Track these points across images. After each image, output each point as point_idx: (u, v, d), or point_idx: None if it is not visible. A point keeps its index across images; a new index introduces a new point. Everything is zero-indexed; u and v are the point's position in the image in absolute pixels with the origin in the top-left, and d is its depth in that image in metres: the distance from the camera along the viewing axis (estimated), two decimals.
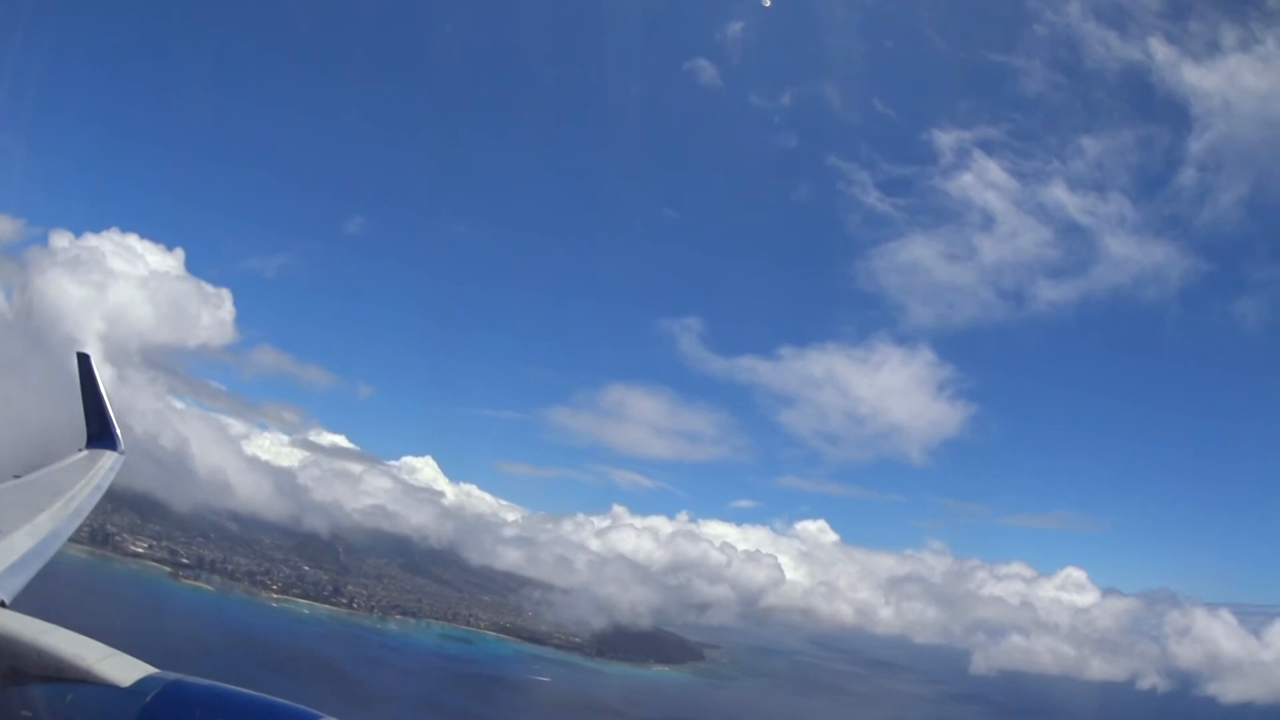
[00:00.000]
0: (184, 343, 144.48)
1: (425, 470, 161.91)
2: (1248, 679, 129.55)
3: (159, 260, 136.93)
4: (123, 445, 15.20)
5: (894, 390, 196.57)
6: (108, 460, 14.15)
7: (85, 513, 10.89)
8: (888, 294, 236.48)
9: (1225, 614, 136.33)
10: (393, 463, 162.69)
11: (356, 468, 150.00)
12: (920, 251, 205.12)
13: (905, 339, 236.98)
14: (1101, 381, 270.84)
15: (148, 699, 4.67)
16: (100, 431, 15.27)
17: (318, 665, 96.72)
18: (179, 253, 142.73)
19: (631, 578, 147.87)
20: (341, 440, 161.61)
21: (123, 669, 4.89)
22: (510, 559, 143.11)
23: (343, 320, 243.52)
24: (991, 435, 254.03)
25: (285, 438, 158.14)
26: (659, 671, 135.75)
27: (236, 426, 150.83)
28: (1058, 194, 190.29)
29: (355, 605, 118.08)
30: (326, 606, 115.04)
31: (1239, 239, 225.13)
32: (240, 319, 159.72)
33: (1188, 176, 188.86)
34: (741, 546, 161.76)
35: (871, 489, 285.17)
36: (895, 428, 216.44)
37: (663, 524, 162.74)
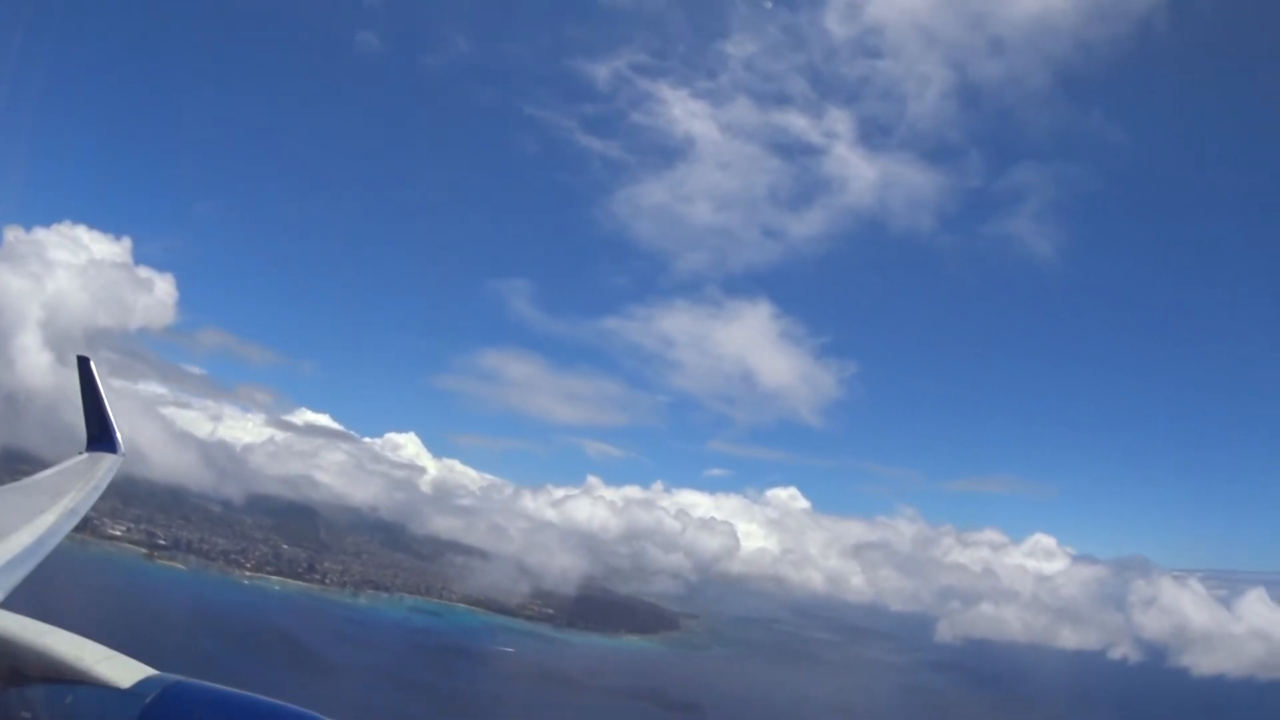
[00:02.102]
0: (135, 327, 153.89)
1: (408, 446, 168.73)
2: (1218, 652, 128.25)
3: (106, 249, 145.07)
4: (123, 448, 15.31)
5: (754, 347, 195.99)
6: (106, 462, 14.22)
7: (82, 514, 11.06)
8: (661, 243, 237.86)
9: (1195, 584, 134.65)
10: (375, 440, 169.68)
11: (335, 446, 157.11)
12: (662, 195, 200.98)
13: (741, 293, 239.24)
14: (955, 332, 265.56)
15: (147, 701, 4.74)
16: (100, 434, 15.29)
17: (278, 639, 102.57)
18: (126, 241, 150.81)
19: (604, 548, 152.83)
20: (325, 419, 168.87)
21: (122, 670, 4.95)
22: (486, 532, 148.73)
23: (283, 298, 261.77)
24: (877, 396, 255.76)
25: (261, 418, 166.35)
26: (629, 641, 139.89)
27: (213, 409, 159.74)
28: (748, 114, 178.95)
29: (328, 581, 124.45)
30: (299, 583, 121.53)
31: (969, 134, 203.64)
32: (184, 302, 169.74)
33: (866, 69, 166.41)
34: (715, 515, 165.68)
35: (798, 453, 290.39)
36: (781, 389, 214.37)
37: (636, 493, 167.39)
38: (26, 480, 12.31)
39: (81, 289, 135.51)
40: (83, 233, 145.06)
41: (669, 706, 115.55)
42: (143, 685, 4.87)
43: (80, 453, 14.79)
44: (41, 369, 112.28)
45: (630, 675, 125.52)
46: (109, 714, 4.76)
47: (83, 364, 15.68)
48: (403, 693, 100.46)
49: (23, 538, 8.57)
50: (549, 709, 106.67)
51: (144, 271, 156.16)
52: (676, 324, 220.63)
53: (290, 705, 4.81)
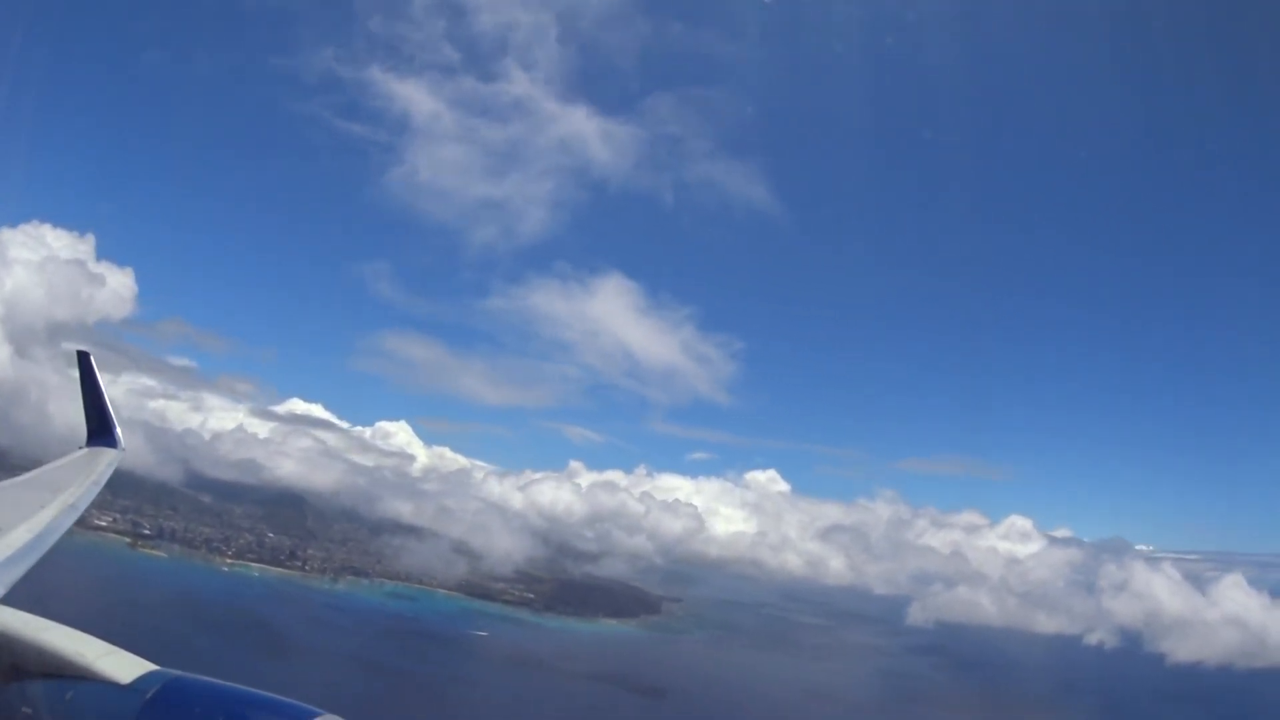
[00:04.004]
0: (107, 320, 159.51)
1: (399, 435, 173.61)
2: (1193, 638, 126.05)
3: (71, 247, 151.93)
4: (123, 443, 15.38)
5: (633, 324, 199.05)
6: (106, 457, 14.34)
7: (82, 509, 11.10)
8: (453, 220, 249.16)
9: (1169, 568, 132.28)
10: (365, 429, 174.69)
11: (324, 435, 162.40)
12: (432, 173, 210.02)
13: (594, 269, 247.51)
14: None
15: (148, 696, 4.75)
16: (99, 429, 15.35)
17: (250, 624, 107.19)
18: (90, 238, 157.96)
19: (584, 533, 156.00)
20: (317, 409, 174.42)
21: (123, 666, 4.98)
22: (470, 518, 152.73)
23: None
24: (778, 373, 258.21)
25: (249, 408, 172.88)
26: (606, 625, 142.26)
27: (199, 400, 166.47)
28: (448, 86, 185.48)
29: (308, 568, 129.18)
30: (279, 570, 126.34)
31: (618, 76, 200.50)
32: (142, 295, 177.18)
33: (487, 28, 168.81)
34: (696, 498, 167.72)
35: (735, 433, 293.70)
36: (682, 368, 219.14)
37: (619, 478, 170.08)
38: (27, 475, 12.51)
39: (45, 286, 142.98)
40: (47, 231, 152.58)
41: (633, 690, 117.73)
42: (143, 680, 4.93)
43: (80, 447, 14.98)
44: (2, 364, 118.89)
45: (600, 659, 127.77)
46: (110, 709, 4.81)
47: (83, 359, 15.75)
48: (366, 675, 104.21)
49: (22, 534, 8.67)
50: (512, 691, 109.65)
51: (105, 266, 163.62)
52: (552, 304, 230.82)
53: (290, 700, 4.88)
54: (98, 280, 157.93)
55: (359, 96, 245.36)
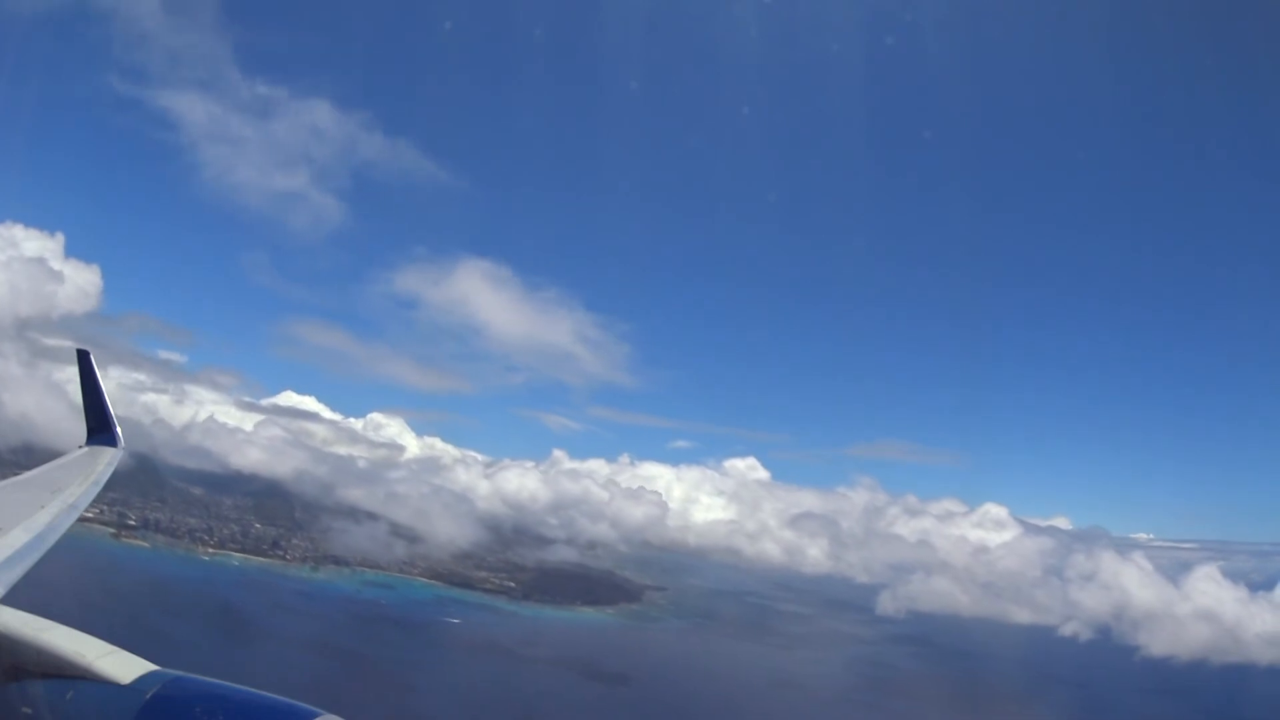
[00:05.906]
0: (81, 315, 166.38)
1: (390, 426, 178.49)
2: (1165, 630, 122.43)
3: (40, 245, 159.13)
4: (122, 442, 15.42)
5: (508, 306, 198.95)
6: (106, 456, 14.40)
7: (82, 508, 11.11)
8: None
9: (1140, 558, 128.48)
10: (357, 421, 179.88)
11: (314, 427, 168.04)
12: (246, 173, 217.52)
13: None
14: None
15: (147, 696, 4.81)
16: (99, 427, 15.47)
17: (220, 610, 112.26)
18: (59, 237, 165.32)
19: (565, 522, 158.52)
20: (308, 401, 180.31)
21: (123, 666, 5.04)
22: (454, 508, 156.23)
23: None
24: (671, 353, 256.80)
25: (237, 400, 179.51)
26: (582, 614, 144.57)
27: (186, 393, 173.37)
28: (218, 93, 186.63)
29: (289, 557, 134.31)
30: (260, 559, 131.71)
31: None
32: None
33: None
34: (676, 488, 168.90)
35: (677, 419, 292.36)
36: (574, 351, 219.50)
37: (602, 467, 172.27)
38: (26, 474, 12.71)
39: (14, 284, 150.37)
40: (19, 231, 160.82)
41: (596, 676, 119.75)
42: (143, 680, 4.98)
43: (80, 446, 15.15)
44: None
45: (568, 646, 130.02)
46: (110, 709, 4.84)
47: (83, 358, 15.84)
48: (325, 659, 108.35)
49: (21, 534, 8.78)
50: (465, 676, 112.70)
51: (73, 264, 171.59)
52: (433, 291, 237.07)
53: (290, 700, 4.90)
54: (59, 277, 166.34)
55: (155, 108, 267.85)
